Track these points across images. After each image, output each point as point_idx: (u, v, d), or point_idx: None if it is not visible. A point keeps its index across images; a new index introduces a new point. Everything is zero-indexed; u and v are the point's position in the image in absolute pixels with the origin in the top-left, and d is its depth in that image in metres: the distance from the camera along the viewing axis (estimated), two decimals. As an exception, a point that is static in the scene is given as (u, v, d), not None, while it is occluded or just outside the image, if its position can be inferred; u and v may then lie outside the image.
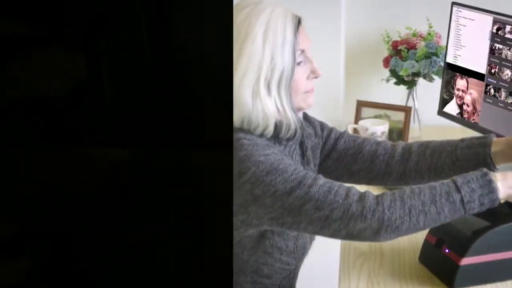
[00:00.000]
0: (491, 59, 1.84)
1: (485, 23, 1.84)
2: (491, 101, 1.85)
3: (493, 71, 1.83)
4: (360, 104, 2.35)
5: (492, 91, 1.84)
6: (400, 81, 2.34)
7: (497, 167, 1.45)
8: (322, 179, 1.33)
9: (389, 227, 1.29)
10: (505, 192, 1.33)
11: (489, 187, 1.31)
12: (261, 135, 1.38)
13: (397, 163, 1.54)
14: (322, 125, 1.59)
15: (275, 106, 1.37)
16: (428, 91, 2.27)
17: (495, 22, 1.81)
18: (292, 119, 1.39)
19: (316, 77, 1.44)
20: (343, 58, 2.40)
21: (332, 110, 2.29)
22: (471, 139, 1.49)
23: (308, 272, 1.56)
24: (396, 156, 1.54)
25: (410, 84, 2.33)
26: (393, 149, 1.55)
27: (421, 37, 2.30)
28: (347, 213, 1.29)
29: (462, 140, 1.50)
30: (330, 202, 1.30)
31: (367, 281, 1.50)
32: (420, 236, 1.57)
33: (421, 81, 2.32)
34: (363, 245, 1.63)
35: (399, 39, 2.33)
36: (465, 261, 1.43)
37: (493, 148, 1.45)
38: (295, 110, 1.41)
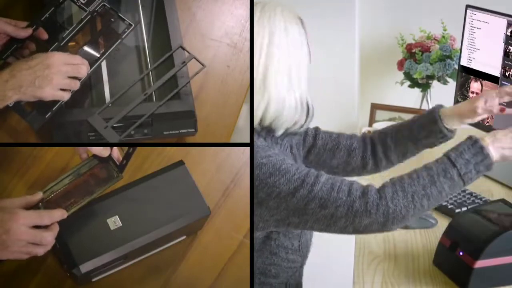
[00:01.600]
0: (506, 61, 1.83)
1: (500, 26, 1.83)
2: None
3: (507, 73, 1.83)
4: (375, 107, 2.36)
5: (506, 94, 1.84)
6: (414, 84, 2.34)
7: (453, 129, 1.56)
8: (324, 176, 1.34)
9: (396, 219, 1.31)
10: (497, 154, 1.36)
11: (482, 154, 1.34)
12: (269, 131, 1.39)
13: (370, 156, 1.61)
14: None
15: (305, 100, 1.39)
16: (442, 94, 2.27)
17: (509, 24, 1.81)
18: (312, 109, 1.41)
19: None
20: (358, 61, 2.41)
21: (347, 113, 2.29)
22: (419, 118, 1.57)
23: (323, 274, 1.57)
24: (367, 149, 1.61)
25: (424, 87, 2.33)
26: (363, 142, 1.62)
27: (436, 40, 2.30)
28: (352, 210, 1.30)
29: (413, 121, 1.58)
30: (334, 199, 1.31)
31: (381, 283, 1.50)
32: (434, 239, 1.58)
33: (435, 84, 2.32)
34: (378, 248, 1.63)
35: (413, 42, 2.33)
36: (479, 264, 1.43)
37: (444, 119, 1.53)
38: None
